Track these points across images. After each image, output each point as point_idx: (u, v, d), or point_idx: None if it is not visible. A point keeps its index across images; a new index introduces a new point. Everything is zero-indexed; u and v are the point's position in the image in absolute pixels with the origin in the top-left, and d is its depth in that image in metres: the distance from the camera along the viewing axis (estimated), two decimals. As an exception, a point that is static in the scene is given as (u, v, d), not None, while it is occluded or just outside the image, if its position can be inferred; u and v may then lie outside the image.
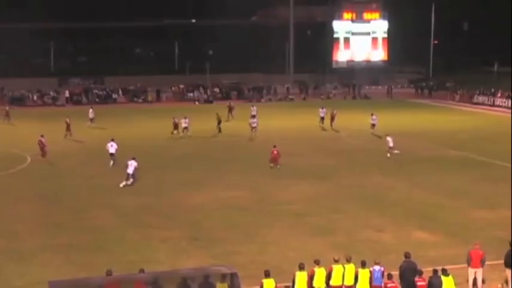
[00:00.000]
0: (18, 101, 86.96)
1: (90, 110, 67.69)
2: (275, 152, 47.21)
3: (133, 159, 42.44)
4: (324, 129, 64.52)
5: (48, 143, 51.10)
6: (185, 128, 59.32)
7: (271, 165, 46.95)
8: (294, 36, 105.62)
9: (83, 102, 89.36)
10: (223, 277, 21.57)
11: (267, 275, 22.81)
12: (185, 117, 59.93)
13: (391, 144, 50.69)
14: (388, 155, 50.39)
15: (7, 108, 73.83)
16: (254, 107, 69.85)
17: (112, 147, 47.73)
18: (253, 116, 64.04)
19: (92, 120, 66.61)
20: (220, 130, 61.98)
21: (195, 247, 30.93)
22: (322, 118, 66.24)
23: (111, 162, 47.36)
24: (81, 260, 29.07)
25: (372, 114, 62.47)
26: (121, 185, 41.65)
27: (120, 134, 55.42)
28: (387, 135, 51.61)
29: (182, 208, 37.55)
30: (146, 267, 23.73)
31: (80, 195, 40.29)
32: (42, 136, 51.18)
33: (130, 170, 42.08)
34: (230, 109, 72.67)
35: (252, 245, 31.19)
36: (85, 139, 58.77)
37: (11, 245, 31.36)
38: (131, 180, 42.09)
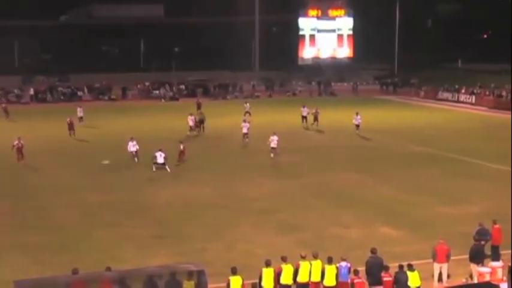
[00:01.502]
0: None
1: (79, 109, 66.39)
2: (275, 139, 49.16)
3: (160, 150, 45.28)
4: (307, 128, 63.32)
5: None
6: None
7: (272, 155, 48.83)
8: (260, 34, 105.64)
9: (47, 100, 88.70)
10: (190, 274, 21.54)
11: (234, 272, 22.79)
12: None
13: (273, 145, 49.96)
14: (272, 155, 49.71)
15: (3, 105, 74.76)
16: (247, 104, 70.29)
17: (133, 147, 48.25)
18: (247, 113, 66.07)
19: (80, 119, 65.14)
20: (203, 129, 60.72)
21: (162, 245, 30.83)
22: (304, 117, 64.53)
23: (136, 159, 48.01)
24: (47, 259, 28.85)
25: (357, 114, 60.58)
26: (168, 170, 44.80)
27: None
28: (274, 133, 50.76)
29: (148, 205, 37.43)
30: (112, 265, 23.54)
31: (45, 195, 39.99)
32: (19, 139, 48.25)
33: (161, 160, 44.88)
34: (199, 106, 72.43)
35: (219, 242, 31.16)
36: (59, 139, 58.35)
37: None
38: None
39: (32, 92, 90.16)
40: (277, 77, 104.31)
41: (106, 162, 47.76)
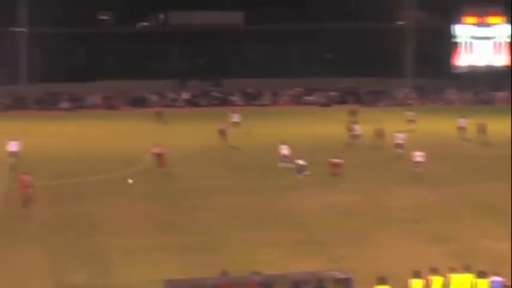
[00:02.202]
0: (139, 102, 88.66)
1: (235, 115, 65.41)
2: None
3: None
4: (465, 140, 60.06)
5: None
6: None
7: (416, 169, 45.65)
8: (412, 40, 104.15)
9: (201, 104, 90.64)
10: (336, 282, 21.39)
11: (381, 281, 22.43)
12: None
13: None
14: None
15: (159, 109, 76.67)
16: (411, 112, 69.33)
17: (285, 150, 48.71)
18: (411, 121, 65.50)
19: (236, 124, 63.80)
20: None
21: (306, 250, 30.81)
22: (463, 128, 61.39)
23: (283, 164, 47.92)
24: (193, 260, 29.41)
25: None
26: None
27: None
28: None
29: (293, 211, 37.53)
30: (257, 268, 23.74)
31: (192, 196, 40.83)
32: (159, 145, 48.62)
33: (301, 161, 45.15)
34: (353, 113, 71.97)
35: (364, 250, 30.84)
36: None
37: (125, 242, 32.04)
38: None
39: (187, 95, 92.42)
40: (430, 84, 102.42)
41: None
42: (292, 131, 64.59)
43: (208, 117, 68.37)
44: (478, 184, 43.49)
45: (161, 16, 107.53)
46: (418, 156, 47.12)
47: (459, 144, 58.54)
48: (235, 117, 65.02)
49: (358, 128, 57.98)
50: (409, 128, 62.33)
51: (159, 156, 47.65)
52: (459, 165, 49.57)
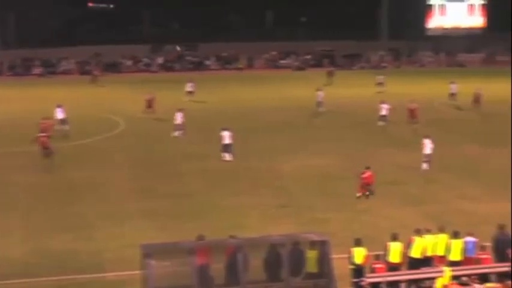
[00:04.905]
0: (113, 68, 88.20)
1: (189, 84, 63.66)
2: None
3: (226, 129, 41.30)
4: (459, 108, 58.28)
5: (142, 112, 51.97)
6: None
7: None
8: (387, 3, 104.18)
9: (175, 69, 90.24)
10: (313, 244, 21.54)
11: (358, 243, 22.67)
12: None
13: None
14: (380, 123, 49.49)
15: (95, 72, 76.95)
16: (381, 76, 69.33)
17: (179, 118, 47.57)
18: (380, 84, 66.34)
19: (190, 93, 62.63)
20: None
21: (285, 214, 31.00)
22: (453, 94, 60.03)
23: (178, 133, 47.49)
24: (171, 225, 29.51)
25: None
26: (227, 159, 40.89)
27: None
28: (383, 101, 50.62)
29: (272, 175, 37.64)
30: (237, 233, 23.89)
31: (173, 162, 40.82)
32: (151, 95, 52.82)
33: (227, 141, 41.13)
34: (330, 74, 74.07)
35: (343, 213, 31.06)
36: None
37: (104, 208, 32.10)
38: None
39: (160, 61, 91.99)
40: (405, 47, 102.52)
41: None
42: (266, 95, 65.23)
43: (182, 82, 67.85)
44: (454, 147, 43.73)
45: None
46: (384, 109, 48.93)
47: (434, 107, 58.85)
48: (189, 87, 63.32)
49: (321, 95, 56.70)
50: (378, 91, 64.02)
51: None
52: (437, 128, 49.84)
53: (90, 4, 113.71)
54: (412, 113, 49.45)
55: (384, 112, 50.32)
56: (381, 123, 49.73)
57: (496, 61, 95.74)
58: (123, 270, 24.56)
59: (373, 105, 52.32)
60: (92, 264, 25.54)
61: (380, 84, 67.17)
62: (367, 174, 33.79)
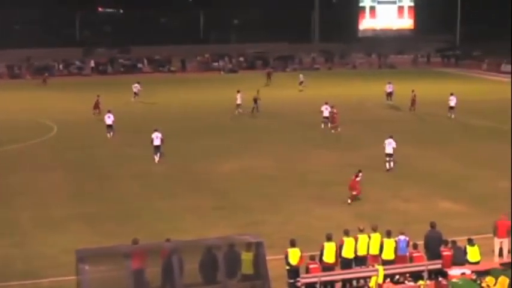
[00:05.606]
0: (44, 71, 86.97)
1: (136, 85, 64.24)
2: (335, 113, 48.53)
3: (156, 130, 41.31)
4: (395, 108, 59.56)
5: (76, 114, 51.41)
6: None
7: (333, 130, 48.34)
8: (319, 5, 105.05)
9: (108, 72, 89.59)
10: (248, 246, 21.63)
11: (293, 244, 22.86)
12: None
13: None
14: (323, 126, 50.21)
15: (46, 74, 77.34)
16: (301, 75, 72.82)
17: (109, 119, 47.50)
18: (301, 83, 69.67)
19: (136, 94, 63.58)
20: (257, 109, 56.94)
21: (222, 216, 31.05)
22: (389, 94, 61.64)
23: (109, 134, 47.57)
24: (108, 229, 29.30)
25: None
26: (156, 161, 40.85)
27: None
28: (326, 103, 51.06)
29: (208, 177, 37.68)
30: (173, 236, 23.91)
31: (107, 165, 40.53)
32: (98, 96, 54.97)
33: (157, 142, 40.95)
34: (269, 75, 76.33)
35: (278, 214, 31.26)
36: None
37: (39, 213, 31.70)
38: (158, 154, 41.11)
39: (92, 64, 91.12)
40: (337, 49, 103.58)
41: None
42: (199, 97, 65.41)
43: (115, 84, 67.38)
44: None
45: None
46: (326, 110, 49.97)
47: (366, 108, 59.67)
48: (135, 88, 63.99)
49: (239, 97, 56.79)
50: (299, 89, 68.56)
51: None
52: (366, 128, 50.53)
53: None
54: (333, 118, 49.78)
55: (326, 114, 50.65)
56: (323, 125, 50.21)
57: (426, 62, 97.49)
58: (59, 276, 24.30)
59: (299, 106, 53.01)
60: (27, 271, 25.20)
61: (301, 83, 69.97)
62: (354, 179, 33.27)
